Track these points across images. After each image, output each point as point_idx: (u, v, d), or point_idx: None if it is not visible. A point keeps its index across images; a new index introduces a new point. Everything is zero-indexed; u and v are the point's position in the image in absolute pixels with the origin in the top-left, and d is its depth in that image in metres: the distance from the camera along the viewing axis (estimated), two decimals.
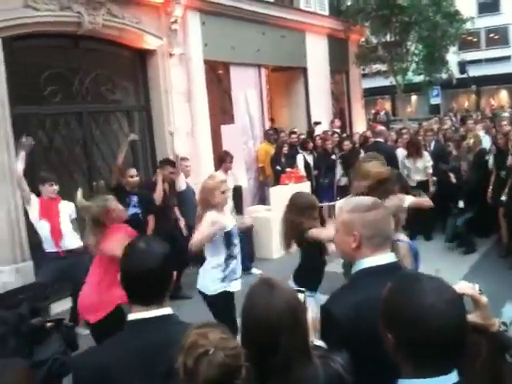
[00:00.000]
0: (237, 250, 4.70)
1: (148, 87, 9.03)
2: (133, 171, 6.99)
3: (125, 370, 1.80)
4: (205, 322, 1.76)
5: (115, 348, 1.93)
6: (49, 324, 2.25)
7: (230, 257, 4.62)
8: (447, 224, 8.67)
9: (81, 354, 2.10)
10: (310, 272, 4.40)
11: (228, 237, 4.60)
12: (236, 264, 4.69)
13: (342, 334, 1.90)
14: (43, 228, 5.93)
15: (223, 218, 4.58)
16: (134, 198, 6.80)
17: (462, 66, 23.17)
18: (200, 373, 1.53)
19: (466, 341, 1.45)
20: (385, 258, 2.03)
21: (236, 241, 4.70)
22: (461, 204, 8.40)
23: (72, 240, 6.04)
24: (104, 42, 8.17)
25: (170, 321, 1.96)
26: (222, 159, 8.20)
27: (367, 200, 2.16)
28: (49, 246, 5.95)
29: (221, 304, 4.59)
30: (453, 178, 8.81)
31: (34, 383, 1.76)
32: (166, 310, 1.96)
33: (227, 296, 4.64)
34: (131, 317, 1.94)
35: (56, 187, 6.09)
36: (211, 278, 4.61)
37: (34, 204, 5.93)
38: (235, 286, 4.67)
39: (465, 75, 22.65)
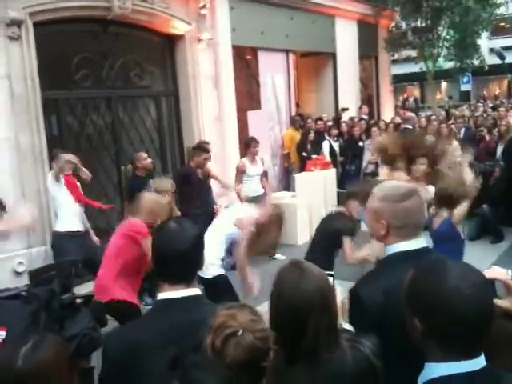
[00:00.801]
0: None
1: (176, 72, 9.06)
2: (144, 154, 6.95)
3: (153, 348, 1.83)
4: (234, 303, 1.78)
5: (145, 326, 1.96)
6: (79, 300, 2.30)
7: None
8: (470, 223, 8.54)
9: (111, 332, 2.15)
10: None
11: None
12: None
13: (371, 318, 1.90)
14: (70, 206, 5.79)
15: None
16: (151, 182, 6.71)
17: (499, 53, 22.60)
18: (227, 353, 1.54)
19: (492, 325, 1.44)
20: (415, 243, 2.00)
21: None
22: (485, 208, 8.27)
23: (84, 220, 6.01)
24: (133, 26, 8.21)
25: (199, 301, 1.98)
26: (248, 145, 8.21)
27: (401, 188, 2.06)
28: (73, 225, 5.82)
29: (221, 286, 4.70)
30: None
31: (67, 358, 1.80)
32: (195, 291, 1.98)
33: (224, 278, 4.76)
34: (161, 296, 1.96)
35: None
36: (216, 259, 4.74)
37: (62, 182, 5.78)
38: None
39: (499, 62, 22.10)
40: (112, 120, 8.13)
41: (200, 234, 2.02)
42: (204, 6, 8.81)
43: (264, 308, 1.85)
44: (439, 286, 1.43)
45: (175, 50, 9.00)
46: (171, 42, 8.95)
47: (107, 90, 8.09)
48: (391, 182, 2.25)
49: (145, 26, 8.33)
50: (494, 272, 1.71)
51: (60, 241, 5.79)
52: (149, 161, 6.90)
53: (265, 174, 8.33)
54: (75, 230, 5.83)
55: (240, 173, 7.88)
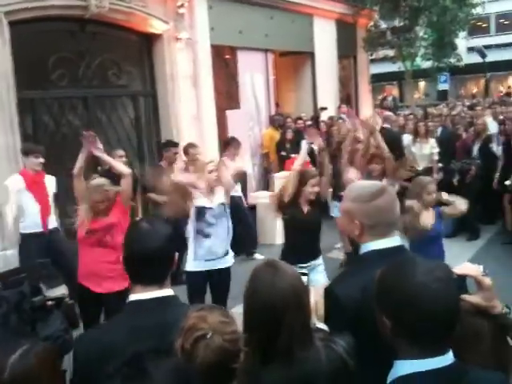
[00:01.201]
0: (213, 230, 4.75)
1: (154, 72, 9.00)
2: (121, 151, 6.76)
3: (124, 350, 1.81)
4: (205, 305, 1.77)
5: (116, 328, 1.94)
6: (50, 302, 2.28)
7: (200, 232, 4.68)
8: (446, 222, 8.65)
9: (82, 334, 2.13)
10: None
11: (198, 211, 4.70)
12: (212, 243, 4.74)
13: (347, 315, 1.90)
14: (28, 204, 5.58)
15: (204, 198, 4.73)
16: None
17: (480, 51, 22.88)
18: (197, 356, 1.54)
19: (459, 320, 1.46)
20: (389, 241, 2.01)
21: (213, 220, 4.75)
22: None
23: (53, 219, 5.84)
24: (110, 26, 8.15)
25: (171, 302, 1.96)
26: (228, 144, 8.12)
27: (371, 187, 2.07)
28: (33, 225, 5.62)
29: (190, 284, 4.74)
30: (455, 180, 8.79)
31: (56, 365, 1.78)
32: (168, 292, 1.97)
33: (197, 276, 4.74)
34: (132, 297, 1.95)
35: (41, 160, 5.68)
36: (189, 253, 4.78)
37: (17, 181, 5.57)
38: (209, 266, 4.76)
39: (477, 61, 22.41)
40: (89, 120, 8.04)
41: (172, 234, 2.01)
42: (182, 5, 8.77)
43: (238, 310, 1.85)
44: (406, 282, 1.45)
45: (153, 50, 8.94)
46: (149, 41, 8.89)
47: (84, 90, 8.01)
48: (362, 182, 2.27)
49: (122, 25, 8.27)
50: (466, 268, 1.73)
51: (23, 242, 5.68)
52: (123, 159, 6.64)
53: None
54: (38, 230, 5.66)
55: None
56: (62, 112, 7.86)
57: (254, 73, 11.15)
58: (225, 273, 4.88)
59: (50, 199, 5.80)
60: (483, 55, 22.57)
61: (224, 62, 10.80)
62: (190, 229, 4.79)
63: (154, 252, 1.91)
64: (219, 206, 4.82)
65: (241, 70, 10.73)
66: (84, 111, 8.05)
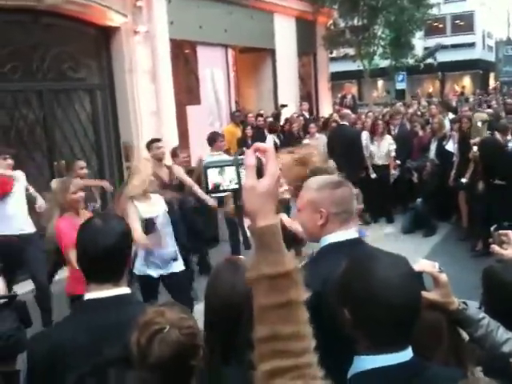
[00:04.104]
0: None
1: (112, 65, 8.83)
2: (82, 163, 6.43)
3: (79, 349, 1.76)
4: (165, 302, 1.73)
5: (71, 327, 1.89)
6: (1, 301, 2.19)
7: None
8: (404, 217, 8.82)
9: (36, 334, 2.06)
10: None
11: (146, 225, 4.62)
12: (161, 251, 4.70)
13: (310, 306, 1.89)
14: None
15: (144, 206, 4.63)
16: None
17: (435, 51, 23.32)
18: (153, 351, 1.50)
19: (418, 317, 1.46)
20: (348, 233, 2.04)
21: (162, 228, 4.71)
22: (418, 202, 8.58)
23: (26, 223, 5.60)
24: (66, 17, 7.93)
25: (126, 300, 1.92)
26: (214, 139, 7.47)
27: (332, 178, 2.16)
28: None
29: (141, 287, 4.69)
30: (415, 177, 8.94)
31: None
32: (124, 290, 1.92)
33: (146, 280, 4.72)
34: (87, 296, 1.90)
35: (11, 161, 5.54)
36: (139, 258, 4.74)
37: None
38: (156, 272, 4.74)
39: (432, 61, 22.87)
40: (44, 114, 7.82)
41: (126, 231, 1.95)
42: None
43: (201, 306, 1.84)
44: (367, 276, 1.45)
45: (111, 43, 8.77)
46: (107, 34, 8.71)
47: (38, 83, 7.78)
48: (320, 176, 2.29)
49: (78, 17, 8.07)
50: (422, 265, 1.74)
51: None
52: (84, 171, 6.32)
53: None
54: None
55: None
56: (15, 105, 7.62)
57: (214, 68, 11.08)
58: (176, 276, 4.84)
59: (20, 203, 5.56)
60: (434, 57, 23.01)
61: (184, 56, 10.69)
62: None
63: (108, 249, 1.86)
64: (164, 214, 4.83)
65: (201, 65, 10.65)
66: (38, 105, 7.81)
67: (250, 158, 1.15)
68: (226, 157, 7.58)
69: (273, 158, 1.14)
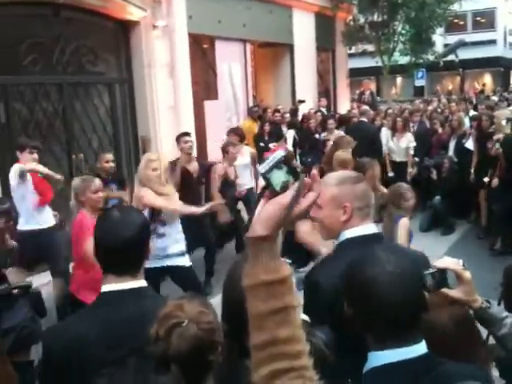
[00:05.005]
0: (167, 231, 4.76)
1: (130, 60, 8.85)
2: (109, 156, 6.43)
3: (96, 342, 1.75)
4: (187, 294, 1.72)
5: (87, 320, 1.88)
6: (15, 291, 2.19)
7: (153, 231, 4.59)
8: (422, 215, 8.71)
9: (53, 326, 2.06)
10: None
11: (151, 212, 4.65)
12: (164, 243, 4.72)
13: (328, 303, 1.89)
14: (29, 201, 5.45)
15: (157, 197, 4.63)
16: (114, 186, 6.28)
17: (456, 47, 23.01)
18: (171, 344, 1.49)
19: (420, 312, 1.46)
20: (369, 228, 2.03)
21: (167, 221, 4.75)
22: (436, 199, 8.48)
23: (50, 215, 5.70)
24: (86, 11, 7.96)
25: (144, 294, 1.92)
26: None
27: (351, 173, 2.18)
28: (30, 223, 5.51)
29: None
30: (434, 174, 8.85)
31: (1, 352, 1.70)
32: (141, 283, 1.91)
33: (150, 272, 4.69)
34: (105, 288, 1.89)
35: (36, 156, 5.59)
36: None
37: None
38: (162, 263, 4.74)
39: (453, 57, 22.58)
40: (63, 107, 7.87)
41: (145, 223, 1.94)
42: None
43: (217, 300, 1.83)
44: (362, 273, 1.47)
45: (130, 37, 8.79)
46: (126, 28, 8.73)
47: (58, 76, 7.82)
48: (335, 172, 2.29)
49: (98, 11, 8.10)
50: (446, 261, 1.72)
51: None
52: (110, 164, 6.35)
53: (253, 163, 7.60)
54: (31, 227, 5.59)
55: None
56: (36, 98, 7.67)
57: (232, 63, 11.06)
58: (183, 270, 4.84)
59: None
60: (456, 54, 22.71)
61: (202, 51, 10.67)
62: None
63: (126, 241, 1.85)
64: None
65: (219, 60, 10.64)
66: (58, 98, 7.86)
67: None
68: (246, 155, 7.54)
69: (315, 188, 1.19)
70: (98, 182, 4.39)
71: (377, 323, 1.44)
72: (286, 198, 1.15)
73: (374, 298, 1.42)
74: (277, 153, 1.24)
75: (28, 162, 5.50)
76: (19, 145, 5.74)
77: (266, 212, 1.17)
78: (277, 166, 1.22)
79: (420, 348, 1.44)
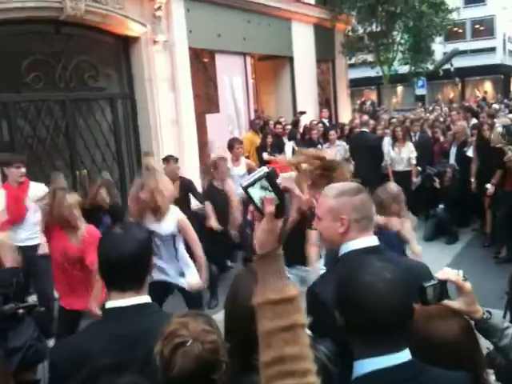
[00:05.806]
0: (160, 252, 4.63)
1: (132, 75, 8.92)
2: (98, 184, 6.17)
3: (102, 357, 1.75)
4: (191, 311, 1.72)
5: (92, 336, 1.88)
6: (21, 310, 2.19)
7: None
8: (426, 224, 8.69)
9: (59, 342, 2.06)
10: None
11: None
12: (160, 264, 4.62)
13: (327, 311, 1.88)
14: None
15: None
16: (107, 219, 5.95)
17: (451, 56, 23.08)
18: (175, 363, 1.50)
19: (407, 321, 1.47)
20: (369, 240, 2.01)
21: (159, 243, 4.61)
22: (440, 208, 8.47)
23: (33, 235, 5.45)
24: (86, 28, 8.04)
25: (148, 310, 1.92)
26: (231, 146, 7.78)
27: (352, 184, 2.12)
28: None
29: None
30: (437, 183, 8.84)
31: (7, 373, 1.70)
32: (145, 298, 1.92)
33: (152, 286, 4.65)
34: (109, 304, 1.89)
35: (23, 170, 5.35)
36: None
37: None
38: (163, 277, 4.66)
39: (449, 66, 22.65)
40: (66, 123, 7.92)
41: (147, 239, 1.95)
42: (159, 8, 8.70)
43: (221, 316, 1.81)
44: (352, 281, 1.49)
45: (130, 52, 8.86)
46: (126, 43, 8.81)
47: (60, 93, 7.88)
48: (338, 183, 2.26)
49: (99, 27, 8.17)
50: (446, 273, 1.71)
51: None
52: (101, 196, 5.99)
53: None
54: None
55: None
56: (38, 115, 7.72)
57: (233, 76, 11.11)
58: (183, 290, 4.77)
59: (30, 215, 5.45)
60: (450, 63, 22.77)
61: (202, 65, 10.74)
62: None
63: (129, 257, 1.86)
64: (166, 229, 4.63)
65: (219, 73, 10.70)
66: (61, 115, 7.91)
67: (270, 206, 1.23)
68: (242, 165, 7.71)
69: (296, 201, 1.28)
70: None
71: (363, 330, 1.45)
72: (268, 223, 1.22)
73: (361, 306, 1.43)
74: (261, 169, 1.26)
75: (17, 177, 5.34)
76: (4, 161, 5.53)
77: (257, 239, 1.24)
78: (258, 181, 1.24)
79: (404, 355, 1.44)
